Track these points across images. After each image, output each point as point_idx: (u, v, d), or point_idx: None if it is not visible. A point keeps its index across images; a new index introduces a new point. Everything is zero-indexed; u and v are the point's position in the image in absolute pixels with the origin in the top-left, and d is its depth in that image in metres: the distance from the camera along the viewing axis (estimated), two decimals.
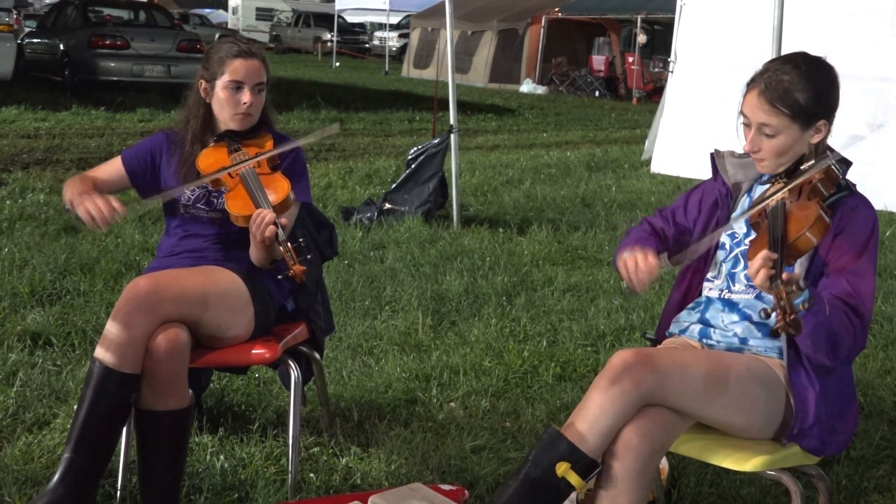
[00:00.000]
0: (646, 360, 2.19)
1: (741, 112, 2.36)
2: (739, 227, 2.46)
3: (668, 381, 2.18)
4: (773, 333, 1.98)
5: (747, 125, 2.35)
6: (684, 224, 2.57)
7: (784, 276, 1.99)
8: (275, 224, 2.62)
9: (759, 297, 2.38)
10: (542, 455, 2.18)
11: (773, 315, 1.98)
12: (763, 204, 2.27)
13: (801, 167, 2.31)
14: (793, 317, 1.94)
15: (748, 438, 2.33)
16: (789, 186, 2.25)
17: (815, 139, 2.32)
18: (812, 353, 2.20)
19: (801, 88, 2.26)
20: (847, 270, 2.22)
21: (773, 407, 2.30)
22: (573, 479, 2.13)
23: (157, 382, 2.54)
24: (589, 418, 2.16)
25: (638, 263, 2.30)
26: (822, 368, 2.27)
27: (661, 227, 2.59)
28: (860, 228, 2.26)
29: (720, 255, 2.50)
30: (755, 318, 2.38)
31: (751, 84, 2.34)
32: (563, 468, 2.14)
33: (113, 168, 2.97)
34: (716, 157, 2.57)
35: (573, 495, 2.22)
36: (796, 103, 2.26)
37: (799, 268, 2.29)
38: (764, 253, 2.05)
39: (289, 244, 2.61)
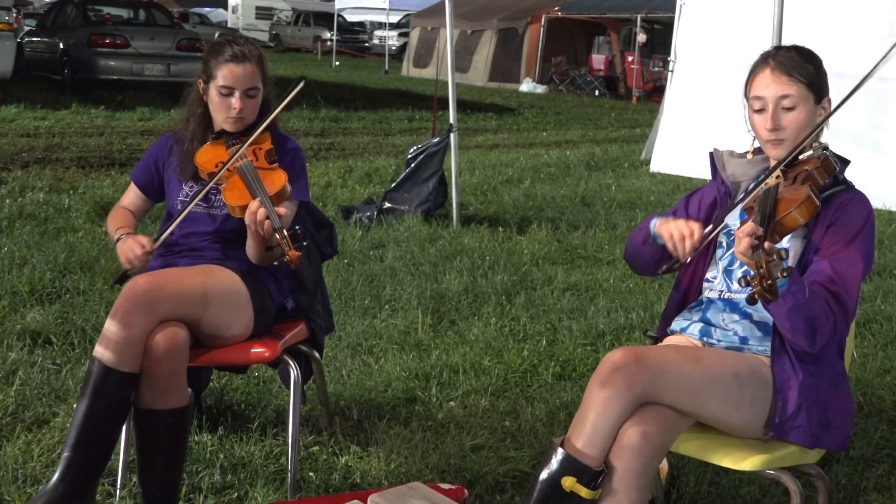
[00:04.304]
0: (636, 360, 2.19)
1: (752, 97, 2.40)
2: (734, 222, 2.47)
3: (660, 379, 2.17)
4: (749, 300, 2.00)
5: (761, 109, 2.38)
6: None
7: (766, 245, 2.01)
8: (268, 213, 2.62)
9: None
10: (546, 473, 2.18)
11: (752, 283, 2.00)
12: (758, 189, 2.31)
13: (800, 157, 2.36)
14: (769, 282, 1.96)
15: (747, 437, 2.32)
16: (782, 165, 2.29)
17: (820, 118, 2.40)
18: (791, 336, 2.20)
19: (808, 62, 2.39)
20: (833, 258, 2.24)
21: (771, 405, 2.29)
22: (582, 491, 2.13)
23: (156, 381, 2.54)
24: (587, 427, 2.17)
25: (683, 232, 2.30)
26: (807, 356, 2.26)
27: None
28: (853, 219, 2.29)
29: (718, 252, 2.51)
30: (756, 317, 2.38)
31: (757, 68, 2.42)
32: (569, 483, 2.14)
33: (132, 193, 3.10)
34: (715, 156, 2.58)
35: None
36: (810, 72, 2.38)
37: (792, 260, 2.31)
38: (749, 225, 2.09)
39: (284, 231, 2.60)
